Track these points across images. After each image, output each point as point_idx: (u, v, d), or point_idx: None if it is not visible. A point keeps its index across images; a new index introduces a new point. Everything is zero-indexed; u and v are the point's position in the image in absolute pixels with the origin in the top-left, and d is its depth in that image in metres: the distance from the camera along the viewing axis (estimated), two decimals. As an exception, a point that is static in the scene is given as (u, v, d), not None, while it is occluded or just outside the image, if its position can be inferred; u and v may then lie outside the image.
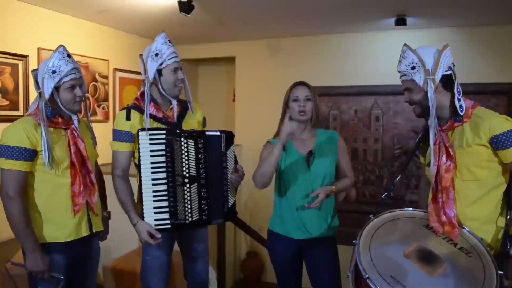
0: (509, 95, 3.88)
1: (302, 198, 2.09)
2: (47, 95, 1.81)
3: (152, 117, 2.00)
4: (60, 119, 1.89)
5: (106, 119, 4.07)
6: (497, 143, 1.56)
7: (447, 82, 1.66)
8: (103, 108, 4.03)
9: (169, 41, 2.00)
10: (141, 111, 2.00)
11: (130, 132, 1.98)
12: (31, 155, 1.79)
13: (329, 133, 2.22)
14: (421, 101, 1.68)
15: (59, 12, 3.50)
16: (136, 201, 2.04)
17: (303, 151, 2.13)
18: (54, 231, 1.87)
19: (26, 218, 1.79)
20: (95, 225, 2.01)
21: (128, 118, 2.00)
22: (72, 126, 1.91)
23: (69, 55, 1.87)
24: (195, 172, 1.94)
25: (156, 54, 1.96)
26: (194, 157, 1.93)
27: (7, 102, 3.10)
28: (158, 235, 1.91)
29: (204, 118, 2.25)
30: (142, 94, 2.04)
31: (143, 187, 1.92)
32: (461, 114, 1.64)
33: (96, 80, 3.92)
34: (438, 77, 1.63)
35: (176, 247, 2.21)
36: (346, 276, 1.66)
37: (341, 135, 2.23)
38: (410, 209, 1.83)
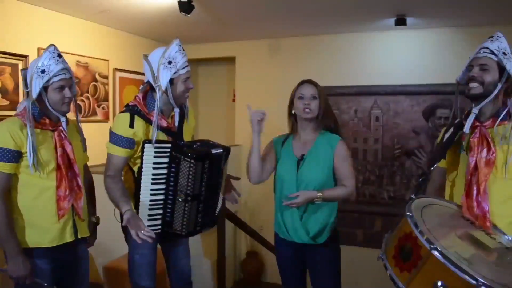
0: (509, 95, 3.87)
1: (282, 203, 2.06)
2: (34, 94, 1.75)
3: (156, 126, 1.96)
4: (47, 120, 1.82)
5: (106, 119, 4.06)
6: None
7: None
8: (103, 108, 4.03)
9: (183, 49, 1.97)
10: (144, 117, 1.95)
11: (132, 139, 1.93)
12: (15, 156, 1.73)
13: (330, 137, 2.11)
14: (489, 84, 1.67)
15: (59, 12, 3.50)
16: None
17: (298, 154, 2.10)
18: (37, 236, 1.80)
19: (9, 221, 1.73)
20: (80, 231, 1.93)
21: (131, 125, 1.92)
22: (60, 127, 1.85)
23: (59, 55, 1.81)
24: (198, 191, 1.93)
25: (170, 62, 1.91)
26: (199, 177, 1.91)
27: (7, 102, 3.10)
28: (146, 231, 1.82)
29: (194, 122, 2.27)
30: (144, 97, 2.00)
31: (141, 196, 1.90)
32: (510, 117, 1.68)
33: (96, 80, 3.91)
34: None
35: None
36: (377, 259, 1.52)
37: (342, 141, 2.10)
38: (438, 199, 1.78)
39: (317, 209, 2.05)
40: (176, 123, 2.02)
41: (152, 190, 1.90)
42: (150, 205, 1.90)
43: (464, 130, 1.70)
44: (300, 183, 2.05)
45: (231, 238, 4.47)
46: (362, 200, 4.43)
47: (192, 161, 1.86)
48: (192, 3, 3.06)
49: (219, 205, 2.11)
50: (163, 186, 1.91)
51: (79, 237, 1.93)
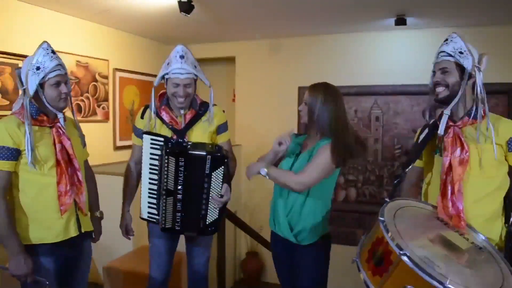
0: (509, 95, 3.88)
1: (279, 193, 2.08)
2: (31, 91, 1.75)
3: (160, 118, 2.10)
4: (45, 117, 1.83)
5: (106, 119, 4.06)
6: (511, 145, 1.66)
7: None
8: (103, 108, 4.03)
9: (188, 54, 2.05)
10: (153, 110, 2.11)
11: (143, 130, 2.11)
12: (14, 154, 1.74)
13: (326, 140, 2.01)
14: (453, 85, 1.70)
15: (59, 12, 3.50)
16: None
17: (301, 152, 2.10)
18: (41, 232, 1.80)
19: (10, 219, 1.73)
20: (84, 225, 1.94)
21: (142, 116, 2.13)
22: (58, 124, 1.85)
23: (53, 51, 1.82)
24: (172, 186, 1.98)
25: (168, 63, 2.03)
26: (173, 173, 1.96)
27: (7, 102, 3.09)
28: (130, 234, 2.20)
29: (221, 125, 2.19)
30: (162, 95, 2.14)
31: (142, 182, 2.07)
32: (481, 115, 1.69)
33: (96, 80, 3.92)
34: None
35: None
36: (352, 262, 1.55)
37: (328, 145, 1.96)
38: (414, 200, 1.80)
39: (303, 207, 2.01)
40: (183, 123, 2.09)
41: (150, 179, 2.05)
42: (149, 192, 2.07)
43: (439, 132, 1.72)
44: None
45: (231, 238, 4.47)
46: (362, 200, 4.43)
47: (165, 156, 1.95)
48: (192, 3, 3.06)
49: (212, 215, 2.07)
50: (156, 177, 2.05)
51: (83, 231, 1.93)
